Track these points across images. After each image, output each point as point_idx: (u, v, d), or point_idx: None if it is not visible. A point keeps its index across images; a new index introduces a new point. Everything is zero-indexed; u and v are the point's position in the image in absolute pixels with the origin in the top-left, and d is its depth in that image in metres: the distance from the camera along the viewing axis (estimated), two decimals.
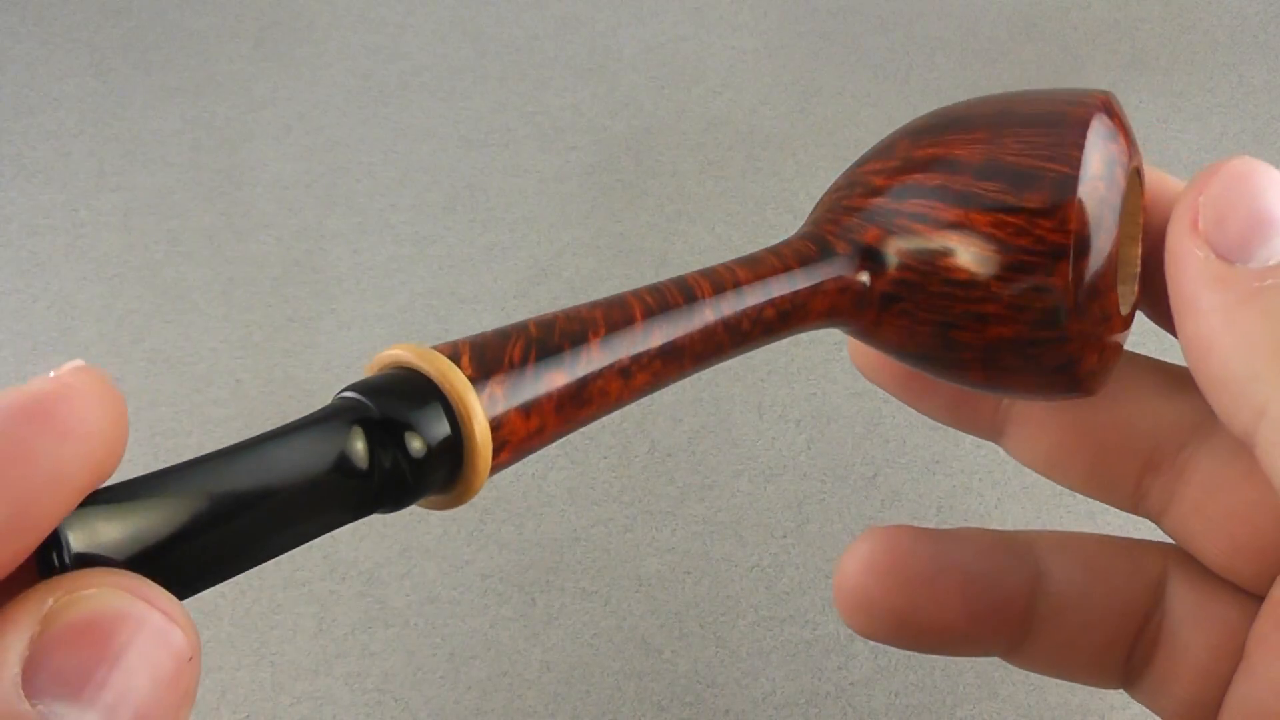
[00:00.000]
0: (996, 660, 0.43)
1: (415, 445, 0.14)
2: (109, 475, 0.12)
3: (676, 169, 0.54)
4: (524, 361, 0.15)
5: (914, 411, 0.51)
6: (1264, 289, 0.16)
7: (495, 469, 0.15)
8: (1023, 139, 0.17)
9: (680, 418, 0.45)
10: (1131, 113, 0.56)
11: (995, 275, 0.17)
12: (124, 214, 0.53)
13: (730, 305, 0.17)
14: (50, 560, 0.12)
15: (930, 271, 0.17)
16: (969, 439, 0.44)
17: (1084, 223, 0.17)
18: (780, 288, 0.17)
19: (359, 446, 0.13)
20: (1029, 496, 0.43)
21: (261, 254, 0.51)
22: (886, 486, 0.43)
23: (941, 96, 0.58)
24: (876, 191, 0.18)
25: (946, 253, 0.17)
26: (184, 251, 0.51)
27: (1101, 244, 0.17)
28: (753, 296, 0.17)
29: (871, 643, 0.40)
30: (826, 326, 0.19)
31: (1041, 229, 0.17)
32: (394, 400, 0.14)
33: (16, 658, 0.11)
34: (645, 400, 0.44)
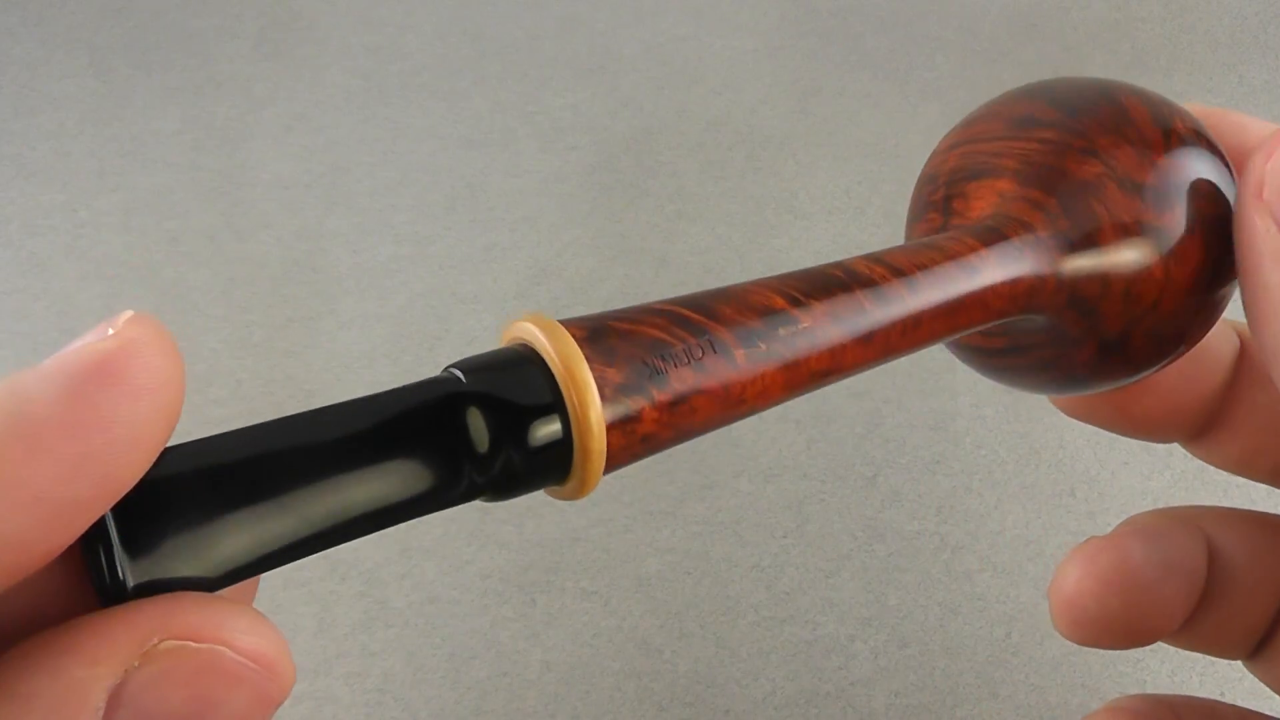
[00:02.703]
0: (996, 660, 0.42)
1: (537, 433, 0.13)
2: (174, 428, 0.11)
3: (676, 169, 0.54)
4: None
5: (914, 411, 0.50)
6: None
7: (614, 463, 0.14)
8: None
9: None
10: None
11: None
12: (124, 214, 0.52)
13: None
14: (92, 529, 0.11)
15: None
16: (969, 439, 0.44)
17: None
18: None
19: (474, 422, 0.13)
20: (1029, 496, 0.43)
21: (261, 254, 0.51)
22: (886, 486, 0.43)
23: (942, 96, 0.58)
24: None
25: None
26: (184, 251, 0.51)
27: None
28: None
29: (871, 643, 0.40)
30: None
31: None
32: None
33: (104, 690, 0.10)
34: None
